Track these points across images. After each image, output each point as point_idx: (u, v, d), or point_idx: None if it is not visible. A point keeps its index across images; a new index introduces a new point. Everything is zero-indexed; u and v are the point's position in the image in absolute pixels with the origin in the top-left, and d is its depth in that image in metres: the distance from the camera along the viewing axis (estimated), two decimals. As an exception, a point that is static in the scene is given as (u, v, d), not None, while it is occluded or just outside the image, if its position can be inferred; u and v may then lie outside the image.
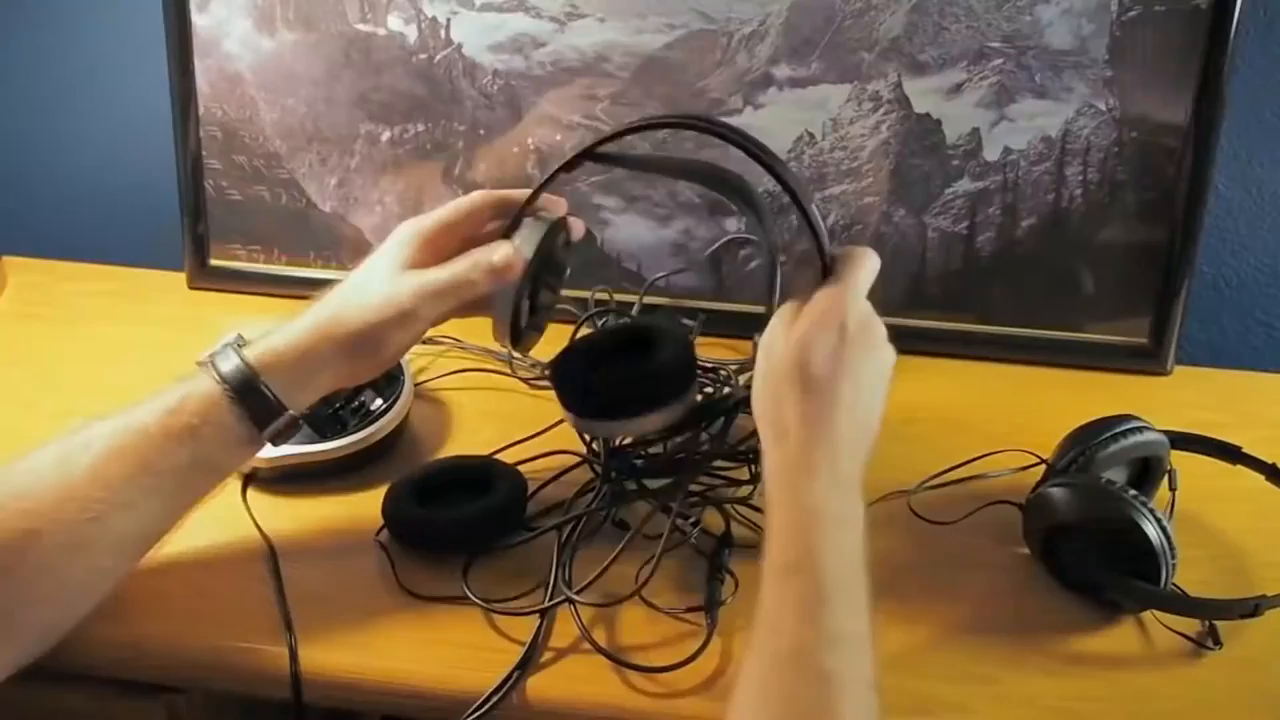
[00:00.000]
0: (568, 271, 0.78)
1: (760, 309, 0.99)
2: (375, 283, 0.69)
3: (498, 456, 0.81)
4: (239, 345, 0.67)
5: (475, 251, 0.70)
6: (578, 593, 0.69)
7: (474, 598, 0.69)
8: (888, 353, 0.63)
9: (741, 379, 0.85)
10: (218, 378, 0.65)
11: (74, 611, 0.63)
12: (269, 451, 0.77)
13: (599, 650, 0.66)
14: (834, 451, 0.59)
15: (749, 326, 0.98)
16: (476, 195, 0.74)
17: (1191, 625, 0.69)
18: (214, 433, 0.65)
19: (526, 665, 0.65)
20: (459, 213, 0.73)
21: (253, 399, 0.65)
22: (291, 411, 0.67)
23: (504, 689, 0.64)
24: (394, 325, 0.69)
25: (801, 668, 0.53)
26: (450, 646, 0.67)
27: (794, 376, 0.60)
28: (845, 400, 0.60)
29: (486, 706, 0.63)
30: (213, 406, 0.65)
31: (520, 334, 0.73)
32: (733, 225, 0.99)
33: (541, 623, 0.68)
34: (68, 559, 0.61)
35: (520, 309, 0.72)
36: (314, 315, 0.69)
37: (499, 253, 0.69)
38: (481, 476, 0.77)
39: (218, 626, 0.68)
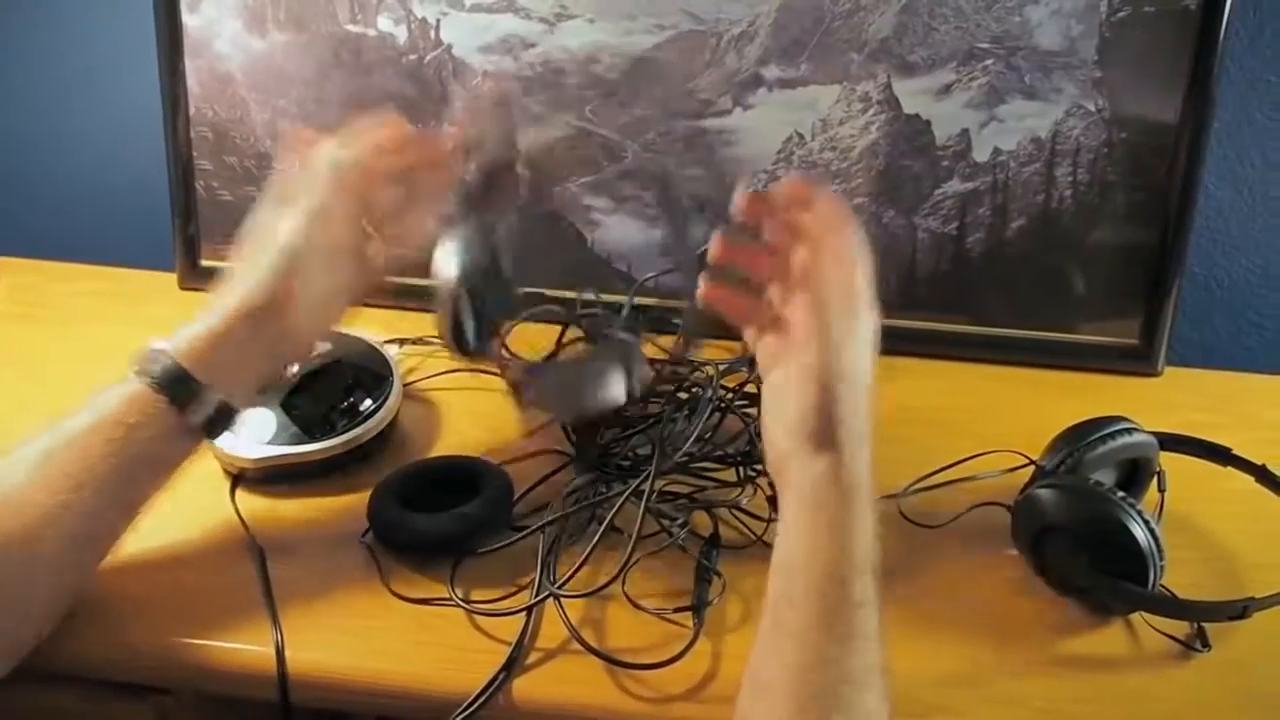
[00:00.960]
0: (509, 268, 0.76)
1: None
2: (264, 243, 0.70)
3: (485, 457, 0.81)
4: (161, 348, 0.67)
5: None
6: (559, 587, 0.69)
7: (458, 600, 0.69)
8: (871, 320, 0.64)
9: (725, 379, 0.85)
10: (139, 371, 0.66)
11: (36, 624, 0.63)
12: (256, 451, 0.77)
13: (585, 647, 0.66)
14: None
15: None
16: (390, 136, 0.75)
17: (1180, 628, 0.69)
18: (146, 426, 0.65)
19: (513, 666, 0.65)
20: (378, 153, 0.73)
21: (176, 388, 0.65)
22: (220, 396, 0.67)
23: (490, 689, 0.64)
24: (289, 272, 0.69)
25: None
26: (437, 647, 0.67)
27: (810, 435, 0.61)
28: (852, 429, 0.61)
29: (473, 708, 0.63)
30: (140, 400, 0.65)
31: (464, 342, 0.72)
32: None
33: (527, 622, 0.68)
34: (20, 569, 0.61)
35: (460, 312, 0.71)
36: (223, 296, 0.69)
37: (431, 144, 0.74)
38: (469, 477, 0.77)
39: (206, 627, 0.68)
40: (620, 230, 1.00)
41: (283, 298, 0.69)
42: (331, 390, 0.82)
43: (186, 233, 1.06)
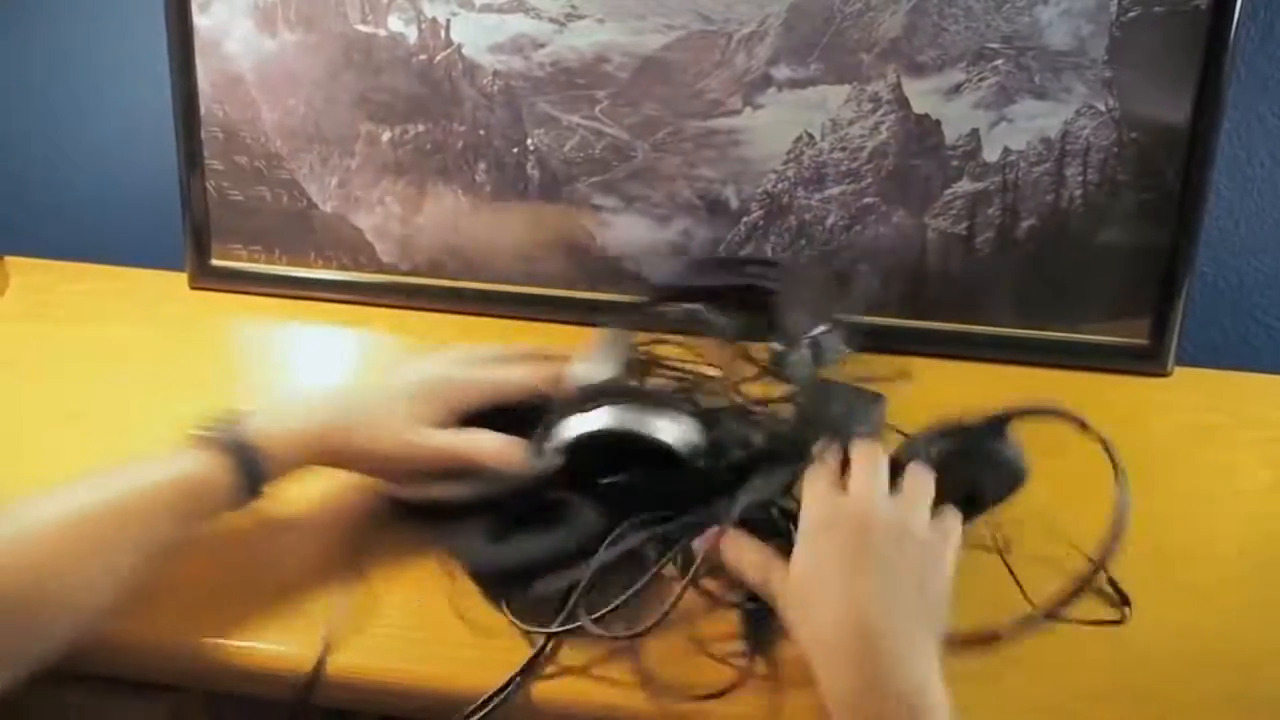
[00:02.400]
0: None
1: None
2: (392, 424, 0.72)
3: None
4: (237, 421, 0.68)
5: (487, 443, 0.72)
6: (596, 618, 0.65)
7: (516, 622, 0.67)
8: (923, 537, 0.61)
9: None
10: (224, 455, 0.66)
11: (51, 652, 0.61)
12: None
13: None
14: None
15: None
16: (519, 382, 0.77)
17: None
18: (204, 506, 0.66)
19: (529, 672, 0.65)
20: (497, 395, 0.76)
21: (248, 476, 0.67)
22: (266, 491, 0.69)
23: (504, 693, 0.64)
24: (383, 467, 0.73)
25: None
26: (453, 646, 0.67)
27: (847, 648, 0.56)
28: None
29: (486, 710, 0.63)
30: (214, 483, 0.66)
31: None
32: (733, 226, 0.99)
33: (547, 643, 0.66)
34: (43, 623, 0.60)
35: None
36: (324, 416, 0.71)
37: (507, 455, 0.72)
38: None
39: (222, 624, 0.68)
40: (629, 230, 1.00)
41: (365, 466, 0.73)
42: None
43: (197, 233, 1.06)
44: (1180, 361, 0.96)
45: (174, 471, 0.65)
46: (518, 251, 1.02)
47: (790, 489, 0.69)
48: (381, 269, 1.05)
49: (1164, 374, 0.96)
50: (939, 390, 0.94)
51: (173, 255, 1.08)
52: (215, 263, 1.07)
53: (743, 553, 0.65)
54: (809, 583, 0.60)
